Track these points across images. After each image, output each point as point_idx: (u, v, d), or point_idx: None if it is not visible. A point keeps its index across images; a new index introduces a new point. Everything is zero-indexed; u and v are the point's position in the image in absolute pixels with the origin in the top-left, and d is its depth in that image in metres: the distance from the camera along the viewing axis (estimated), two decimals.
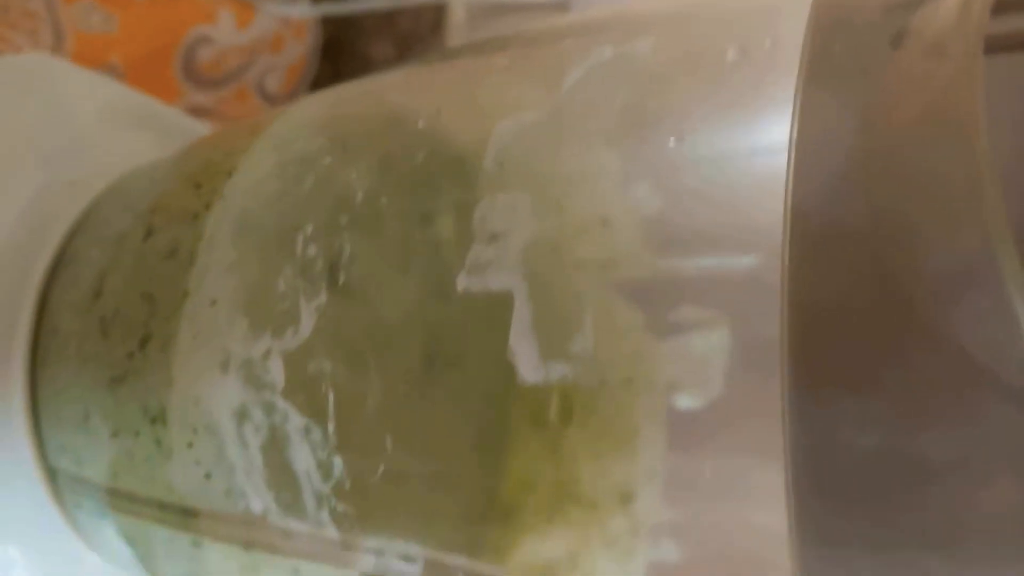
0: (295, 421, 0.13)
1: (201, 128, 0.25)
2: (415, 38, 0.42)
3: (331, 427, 0.13)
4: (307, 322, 0.13)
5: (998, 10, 0.11)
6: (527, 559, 0.12)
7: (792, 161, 0.11)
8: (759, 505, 0.11)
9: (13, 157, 0.20)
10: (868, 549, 0.09)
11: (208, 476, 0.14)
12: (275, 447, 0.13)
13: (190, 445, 0.14)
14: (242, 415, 0.14)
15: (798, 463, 0.10)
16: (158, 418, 0.15)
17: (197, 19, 0.36)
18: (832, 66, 0.11)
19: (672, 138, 0.11)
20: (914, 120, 0.10)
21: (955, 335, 0.09)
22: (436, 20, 0.42)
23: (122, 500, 0.16)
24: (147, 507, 0.16)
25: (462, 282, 0.12)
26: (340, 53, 0.43)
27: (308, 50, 0.41)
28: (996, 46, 0.15)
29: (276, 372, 0.14)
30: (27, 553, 0.19)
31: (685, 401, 0.12)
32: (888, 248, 0.10)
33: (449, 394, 0.12)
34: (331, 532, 0.13)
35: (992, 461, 0.09)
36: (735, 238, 0.11)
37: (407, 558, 0.13)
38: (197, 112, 0.36)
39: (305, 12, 0.39)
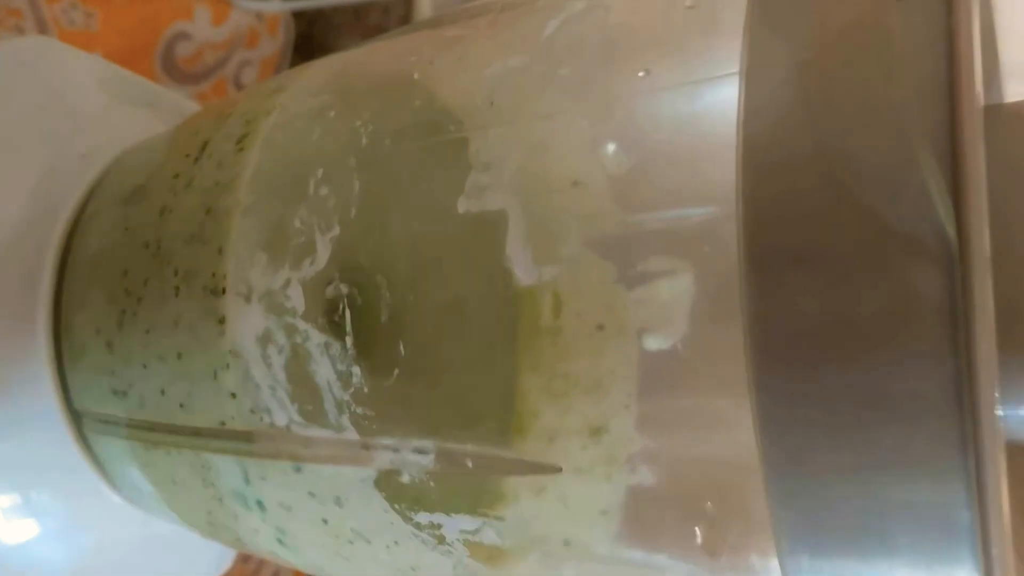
0: (315, 339, 0.15)
1: (191, 105, 0.26)
2: (383, 33, 0.44)
3: (349, 341, 0.15)
4: (323, 252, 0.15)
5: None
6: (528, 442, 0.13)
7: (743, 93, 0.13)
8: (726, 427, 0.13)
9: (22, 135, 0.21)
10: (812, 397, 0.11)
11: (234, 396, 0.16)
12: (297, 364, 0.15)
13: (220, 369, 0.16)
14: (265, 339, 0.15)
15: (754, 331, 0.12)
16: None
17: (175, 16, 0.38)
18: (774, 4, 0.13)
19: (640, 72, 0.13)
20: (844, 42, 0.12)
21: (885, 216, 0.11)
22: (404, 16, 0.44)
23: (162, 433, 0.18)
24: (179, 435, 0.17)
25: (462, 205, 0.14)
26: (312, 48, 0.44)
27: (281, 45, 0.43)
28: None
29: (296, 298, 0.15)
30: (52, 497, 0.20)
31: (654, 343, 0.14)
32: (829, 155, 0.12)
33: (455, 302, 0.14)
34: (351, 435, 0.15)
35: (914, 311, 0.11)
36: (695, 191, 0.13)
37: (421, 451, 0.14)
38: None
39: (277, 7, 0.41)
